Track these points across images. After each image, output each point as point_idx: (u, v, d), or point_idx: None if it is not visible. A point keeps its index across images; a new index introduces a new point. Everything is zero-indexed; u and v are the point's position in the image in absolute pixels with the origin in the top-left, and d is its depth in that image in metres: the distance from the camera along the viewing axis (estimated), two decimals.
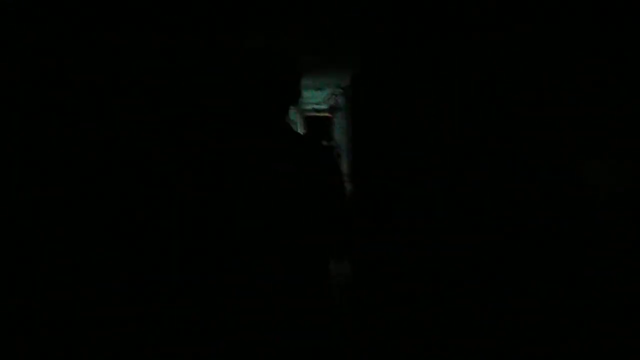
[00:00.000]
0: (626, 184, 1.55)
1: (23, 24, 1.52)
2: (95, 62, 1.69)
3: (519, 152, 1.83)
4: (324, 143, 1.90)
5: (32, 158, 1.55)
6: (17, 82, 1.51)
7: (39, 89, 1.57)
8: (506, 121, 1.90)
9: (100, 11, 1.70)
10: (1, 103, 1.47)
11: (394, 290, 1.77)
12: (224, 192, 1.47)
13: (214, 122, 1.79)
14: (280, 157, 1.48)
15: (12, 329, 1.44)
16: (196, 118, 1.86)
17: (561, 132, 1.69)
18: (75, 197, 1.59)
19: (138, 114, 1.75)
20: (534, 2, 1.79)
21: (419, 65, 2.24)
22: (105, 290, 1.56)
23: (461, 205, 1.90)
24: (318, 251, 1.50)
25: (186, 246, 1.53)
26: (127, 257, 1.62)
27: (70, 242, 1.56)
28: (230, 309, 1.45)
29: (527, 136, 1.82)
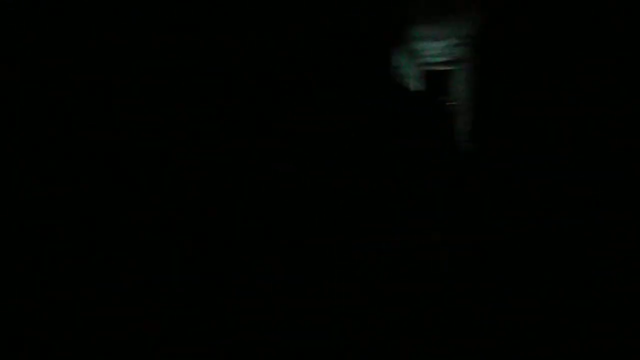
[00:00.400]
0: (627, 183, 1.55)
1: (23, 24, 1.52)
2: (95, 62, 1.69)
3: None
4: (441, 99, 1.70)
5: (33, 158, 1.55)
6: (17, 82, 1.51)
7: (39, 89, 1.57)
8: None
9: (100, 11, 1.70)
10: (1, 103, 1.47)
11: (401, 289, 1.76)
12: (225, 192, 1.47)
13: (215, 122, 1.78)
14: (282, 158, 1.48)
15: (12, 328, 1.44)
16: (198, 117, 1.86)
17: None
18: (75, 197, 1.59)
19: (138, 114, 1.75)
20: None
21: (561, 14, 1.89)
22: (105, 290, 1.56)
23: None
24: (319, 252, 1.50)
25: (186, 246, 1.53)
26: (127, 257, 1.62)
27: (71, 241, 1.56)
28: (231, 309, 1.45)
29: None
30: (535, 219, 1.74)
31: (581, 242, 1.67)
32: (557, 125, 1.82)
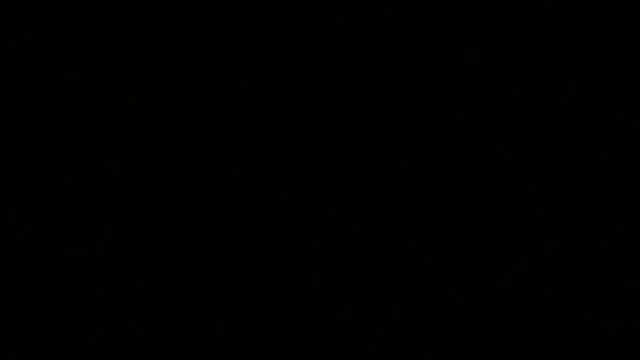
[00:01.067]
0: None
1: (23, 24, 1.53)
2: (95, 61, 1.69)
3: None
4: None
5: (33, 158, 1.55)
6: (17, 82, 1.52)
7: (39, 89, 1.57)
8: None
9: (99, 11, 1.71)
10: (1, 103, 1.47)
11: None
12: (223, 191, 1.47)
13: (215, 121, 1.78)
14: (279, 157, 1.48)
15: (12, 328, 1.44)
16: (197, 116, 1.86)
17: None
18: (74, 196, 1.60)
19: (138, 113, 1.75)
20: None
21: None
22: (104, 290, 1.56)
23: None
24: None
25: (184, 245, 1.53)
26: (125, 256, 1.62)
27: (69, 241, 1.56)
28: (230, 309, 1.45)
29: None
30: (535, 218, 1.75)
31: (581, 241, 1.67)
32: (556, 125, 1.83)
